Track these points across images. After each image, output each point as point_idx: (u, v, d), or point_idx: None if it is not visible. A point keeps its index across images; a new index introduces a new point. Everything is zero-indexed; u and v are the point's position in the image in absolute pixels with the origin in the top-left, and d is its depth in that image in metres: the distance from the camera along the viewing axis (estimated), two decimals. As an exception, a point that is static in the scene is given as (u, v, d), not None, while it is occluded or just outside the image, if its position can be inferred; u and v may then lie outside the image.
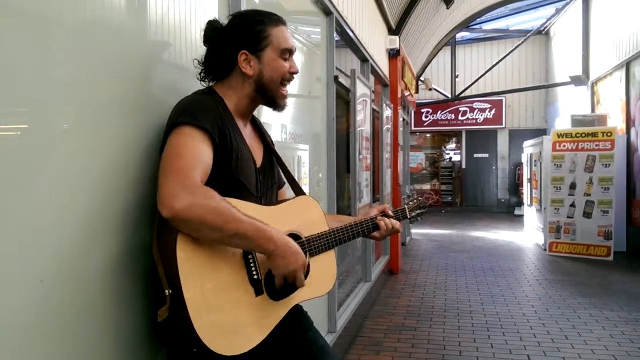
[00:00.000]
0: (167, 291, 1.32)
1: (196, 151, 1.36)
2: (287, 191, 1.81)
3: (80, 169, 1.24)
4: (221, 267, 1.38)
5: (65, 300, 1.19)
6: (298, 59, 2.72)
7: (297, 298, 1.55)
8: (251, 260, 1.43)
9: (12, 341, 1.05)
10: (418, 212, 1.96)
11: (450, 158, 17.12)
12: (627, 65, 8.71)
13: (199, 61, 1.59)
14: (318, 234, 1.64)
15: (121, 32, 1.41)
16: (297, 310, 1.65)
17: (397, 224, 1.85)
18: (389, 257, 6.98)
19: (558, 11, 13.22)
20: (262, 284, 1.45)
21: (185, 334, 1.31)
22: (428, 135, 17.60)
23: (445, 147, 17.36)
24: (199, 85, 1.57)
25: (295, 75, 1.62)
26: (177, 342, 1.39)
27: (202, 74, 1.59)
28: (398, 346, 4.23)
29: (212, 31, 1.57)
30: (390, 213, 1.87)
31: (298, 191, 1.75)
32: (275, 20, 1.57)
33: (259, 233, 1.35)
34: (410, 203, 1.95)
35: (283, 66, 1.57)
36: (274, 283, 1.47)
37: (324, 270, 1.64)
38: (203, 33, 1.58)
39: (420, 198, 1.99)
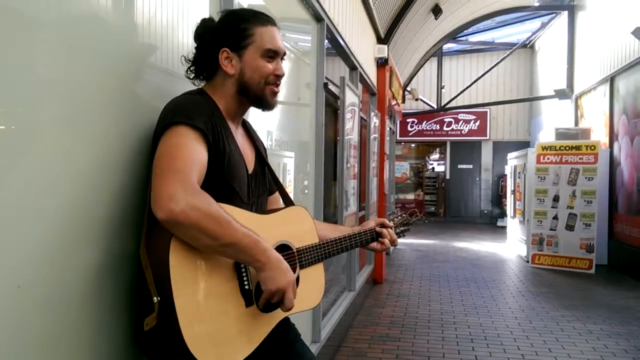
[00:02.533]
0: (155, 298, 1.26)
1: (192, 152, 1.31)
2: (279, 199, 1.76)
3: (61, 170, 1.18)
4: (213, 275, 1.33)
5: (44, 307, 1.13)
6: (287, 65, 2.68)
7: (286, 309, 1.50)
8: (243, 270, 1.38)
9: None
10: (402, 228, 1.94)
11: (433, 168, 17.20)
12: (611, 79, 8.83)
13: (185, 58, 1.53)
14: (309, 245, 1.59)
15: (107, 31, 1.35)
16: (285, 322, 1.60)
17: (394, 235, 1.83)
18: (372, 267, 6.95)
19: (543, 25, 13.40)
20: (253, 294, 1.40)
21: (172, 344, 1.25)
22: (412, 145, 17.68)
23: (428, 157, 17.44)
24: (186, 89, 1.51)
25: (281, 78, 1.55)
26: (161, 352, 1.33)
27: (191, 73, 1.53)
28: (382, 356, 4.19)
29: (202, 28, 1.51)
30: (390, 224, 1.84)
31: (288, 201, 1.70)
32: (263, 19, 1.51)
33: (253, 245, 1.30)
34: (395, 219, 1.93)
35: (265, 66, 1.49)
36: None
37: (312, 283, 1.60)
38: (194, 30, 1.53)
39: (404, 214, 1.97)
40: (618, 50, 8.47)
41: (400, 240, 1.88)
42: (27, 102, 1.08)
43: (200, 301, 1.28)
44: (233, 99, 1.51)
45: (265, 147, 1.77)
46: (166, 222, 1.21)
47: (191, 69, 1.52)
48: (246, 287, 1.38)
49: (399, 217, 1.95)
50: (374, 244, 1.81)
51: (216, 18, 1.54)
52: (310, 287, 1.58)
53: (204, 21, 1.53)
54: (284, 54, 1.55)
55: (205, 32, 1.50)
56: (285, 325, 1.62)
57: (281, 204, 1.74)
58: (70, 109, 1.20)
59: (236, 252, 1.30)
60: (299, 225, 1.61)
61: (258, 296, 1.40)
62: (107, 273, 1.34)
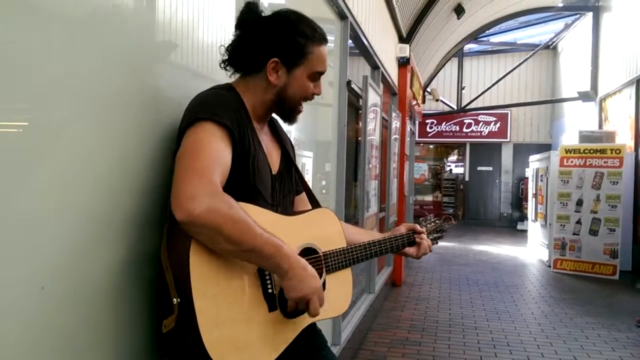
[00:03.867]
0: (174, 300, 1.21)
1: (216, 150, 1.25)
2: (304, 202, 1.70)
3: (84, 169, 1.14)
4: (234, 277, 1.28)
5: (67, 308, 1.09)
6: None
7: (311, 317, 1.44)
8: (266, 274, 1.33)
9: (9, 352, 0.96)
10: (435, 235, 1.85)
11: (451, 170, 17.01)
12: (637, 82, 8.63)
13: (225, 47, 1.46)
14: (336, 249, 1.53)
15: (128, 28, 1.31)
16: (311, 327, 1.54)
17: (429, 241, 1.77)
18: (391, 268, 6.87)
19: (567, 26, 13.17)
20: (276, 299, 1.35)
21: (192, 347, 1.20)
22: (431, 147, 17.51)
23: (446, 159, 17.26)
24: (208, 86, 1.45)
25: (327, 84, 1.52)
26: (182, 356, 1.28)
27: (226, 62, 1.46)
28: (402, 361, 4.11)
29: (249, 15, 1.43)
30: (421, 230, 1.77)
31: (314, 203, 1.64)
32: (319, 37, 1.44)
33: (275, 252, 1.24)
34: (428, 225, 1.85)
35: (309, 87, 1.45)
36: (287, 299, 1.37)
37: (339, 289, 1.53)
38: (238, 14, 1.44)
39: (437, 220, 1.88)
40: (645, 51, 8.28)
41: None
42: (47, 100, 1.04)
43: (221, 304, 1.23)
44: (265, 105, 1.46)
45: (293, 145, 1.71)
46: (185, 223, 1.16)
47: (228, 59, 1.46)
48: (269, 291, 1.33)
49: (432, 224, 1.86)
50: (410, 250, 1.74)
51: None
52: (337, 293, 1.52)
53: (248, 6, 1.43)
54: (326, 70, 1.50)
55: (253, 26, 1.42)
56: (312, 331, 1.56)
57: (308, 205, 1.68)
58: (91, 107, 1.16)
59: (257, 258, 1.25)
60: (325, 228, 1.55)
61: (282, 301, 1.35)
62: (129, 273, 1.30)
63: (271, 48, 1.39)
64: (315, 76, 1.46)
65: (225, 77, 1.52)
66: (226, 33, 1.73)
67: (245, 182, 1.37)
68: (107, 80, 1.20)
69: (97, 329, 1.20)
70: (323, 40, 1.45)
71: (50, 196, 1.04)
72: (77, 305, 1.13)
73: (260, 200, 1.41)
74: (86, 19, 1.13)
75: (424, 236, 1.76)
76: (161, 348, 1.37)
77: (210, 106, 1.31)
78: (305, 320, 1.42)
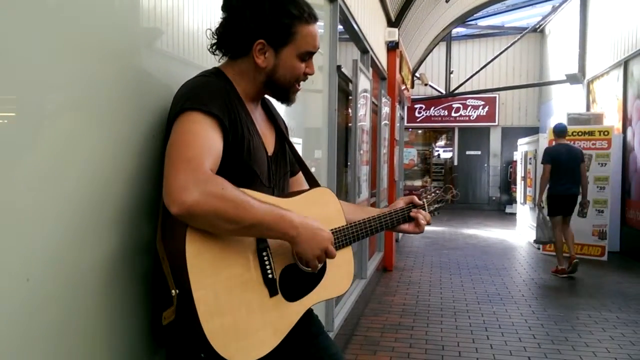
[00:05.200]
0: (173, 291, 1.19)
1: (206, 139, 1.22)
2: (302, 180, 1.67)
3: (70, 157, 1.09)
4: (233, 265, 1.25)
5: (54, 301, 1.05)
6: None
7: (314, 298, 1.43)
8: (265, 258, 1.30)
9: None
10: (436, 206, 1.81)
11: (439, 155, 17.05)
12: (625, 63, 8.66)
13: (212, 31, 1.42)
14: (336, 228, 1.51)
15: (111, 13, 1.26)
16: (308, 313, 1.52)
17: (428, 215, 1.73)
18: (382, 254, 6.88)
19: (554, 9, 13.16)
20: (277, 283, 1.33)
21: (193, 338, 1.18)
22: (420, 131, 17.52)
23: (434, 144, 17.29)
24: (194, 73, 1.41)
25: (316, 69, 1.48)
26: (182, 346, 1.26)
27: (214, 47, 1.42)
28: (395, 345, 4.12)
29: None
30: (420, 202, 1.74)
31: (313, 182, 1.61)
32: (307, 16, 1.39)
33: (279, 219, 1.25)
34: (429, 197, 1.80)
35: (299, 67, 1.41)
36: (288, 283, 1.35)
37: (340, 268, 1.51)
38: None
39: (438, 191, 1.84)
40: (632, 33, 8.29)
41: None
42: (28, 90, 0.99)
43: (221, 292, 1.21)
44: (256, 87, 1.43)
45: (287, 126, 1.67)
46: (181, 216, 1.14)
47: (214, 44, 1.42)
48: (270, 276, 1.31)
49: (433, 194, 1.81)
50: (405, 226, 1.71)
51: None
52: (339, 272, 1.51)
53: None
54: (317, 51, 1.46)
55: (238, 7, 1.37)
56: (309, 317, 1.55)
57: (305, 185, 1.65)
58: (75, 95, 1.11)
59: (261, 231, 1.25)
60: (324, 208, 1.52)
61: (283, 286, 1.34)
62: (123, 265, 1.26)
63: (257, 29, 1.36)
64: (306, 56, 1.42)
65: (214, 61, 1.48)
66: (214, 16, 1.69)
67: (241, 165, 1.35)
68: (91, 68, 1.15)
69: (88, 322, 1.16)
70: (311, 18, 1.41)
71: (34, 187, 1.00)
72: (67, 298, 1.09)
73: (257, 182, 1.39)
74: (65, 2, 1.08)
75: (421, 210, 1.72)
76: (158, 340, 1.34)
77: (197, 95, 1.27)
78: (306, 304, 1.41)
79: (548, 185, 6.59)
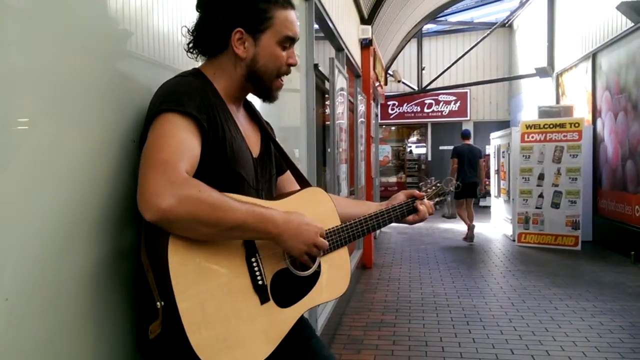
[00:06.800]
0: (158, 303, 1.14)
1: (181, 141, 1.18)
2: (289, 182, 1.63)
3: (48, 165, 1.04)
4: (220, 272, 1.21)
5: (35, 319, 1.00)
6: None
7: (308, 303, 1.39)
8: (254, 264, 1.26)
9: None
10: (437, 199, 1.78)
11: (411, 151, 17.17)
12: (593, 56, 8.82)
13: (188, 29, 1.38)
14: (331, 229, 1.48)
15: (80, 14, 1.21)
16: (299, 318, 1.49)
17: (431, 205, 1.71)
18: (362, 251, 6.88)
19: (522, 3, 13.35)
20: (268, 289, 1.28)
21: (180, 352, 1.13)
22: (393, 128, 17.61)
23: (407, 140, 17.40)
24: (169, 74, 1.36)
25: (292, 68, 1.43)
26: None
27: (190, 45, 1.38)
28: (379, 343, 4.12)
29: None
30: (421, 194, 1.71)
31: (304, 182, 1.58)
32: (284, 1, 1.37)
33: (261, 218, 1.20)
34: (429, 190, 1.77)
35: (280, 55, 1.37)
36: (280, 288, 1.31)
37: (337, 269, 1.48)
38: None
39: (439, 184, 1.80)
40: (600, 26, 8.45)
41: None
42: (3, 96, 0.93)
43: (208, 302, 1.16)
44: (238, 83, 1.39)
45: (272, 127, 1.64)
46: (157, 222, 1.09)
47: (193, 42, 1.38)
48: (260, 282, 1.27)
49: (433, 187, 1.78)
50: (410, 217, 1.69)
51: None
52: (335, 274, 1.47)
53: None
54: (297, 39, 1.43)
55: (212, 2, 1.34)
56: (300, 321, 1.51)
57: (294, 185, 1.62)
58: (51, 99, 1.05)
59: (243, 232, 1.20)
60: (317, 208, 1.48)
61: (274, 291, 1.30)
62: (106, 277, 1.21)
63: (233, 19, 1.32)
64: (286, 42, 1.38)
65: (191, 60, 1.43)
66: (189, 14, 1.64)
67: (225, 169, 1.30)
68: (64, 70, 1.10)
69: (72, 339, 1.10)
70: (287, 4, 1.38)
71: (11, 197, 0.94)
72: (49, 315, 1.03)
73: (243, 185, 1.35)
74: (30, 6, 1.03)
75: (425, 201, 1.71)
76: (145, 355, 1.29)
77: (174, 95, 1.23)
78: (300, 308, 1.37)
79: (456, 175, 8.50)
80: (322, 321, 3.85)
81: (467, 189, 8.47)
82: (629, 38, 7.50)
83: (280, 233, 1.24)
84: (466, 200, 8.77)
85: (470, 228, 8.67)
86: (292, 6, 1.40)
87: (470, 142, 9.14)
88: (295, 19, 1.40)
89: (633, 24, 7.06)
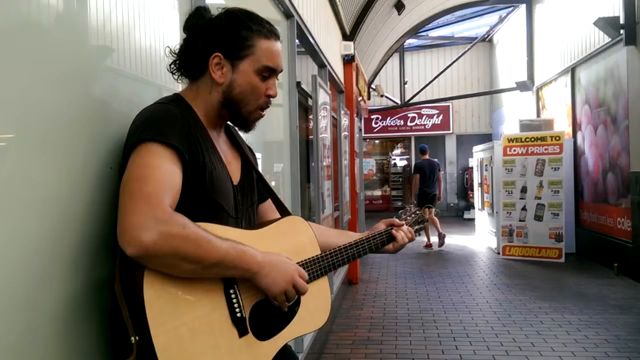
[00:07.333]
0: (133, 338, 1.10)
1: (165, 174, 1.15)
2: (271, 209, 1.60)
3: (20, 193, 1.00)
4: (197, 306, 1.17)
5: (8, 356, 0.95)
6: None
7: (287, 335, 1.35)
8: (233, 296, 1.22)
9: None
10: (417, 227, 1.79)
11: (395, 164, 17.24)
12: (572, 70, 8.95)
13: (170, 50, 1.36)
14: (310, 258, 1.44)
15: (58, 34, 1.17)
16: (283, 346, 1.45)
17: (411, 231, 1.69)
18: (347, 267, 6.84)
19: (501, 19, 13.56)
20: (247, 322, 1.24)
21: None
22: (377, 142, 17.67)
23: (391, 153, 17.48)
24: (152, 94, 1.33)
25: (272, 100, 1.40)
26: None
27: (173, 67, 1.36)
28: (366, 362, 4.07)
29: (195, 18, 1.33)
30: (401, 222, 1.70)
31: (283, 211, 1.55)
32: (267, 31, 1.34)
33: (241, 255, 1.18)
34: (408, 218, 1.77)
35: (258, 85, 1.34)
36: (259, 321, 1.28)
37: (316, 300, 1.44)
38: (186, 18, 1.35)
39: (417, 212, 1.82)
40: (579, 41, 8.59)
41: None
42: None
43: (184, 337, 1.12)
44: (214, 109, 1.35)
45: (254, 152, 1.61)
46: (139, 257, 1.06)
47: (175, 63, 1.35)
48: (238, 315, 1.23)
49: (412, 216, 1.79)
50: (389, 246, 1.67)
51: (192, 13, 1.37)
52: (314, 304, 1.43)
53: (198, 11, 1.34)
54: (281, 71, 1.40)
55: (197, 26, 1.32)
56: (283, 350, 1.47)
57: (275, 213, 1.58)
58: (23, 125, 1.02)
59: (223, 270, 1.18)
60: (296, 237, 1.45)
61: (254, 324, 1.26)
62: (81, 310, 1.16)
63: (213, 43, 1.30)
64: (265, 72, 1.34)
65: (172, 81, 1.40)
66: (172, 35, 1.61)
67: (204, 198, 1.27)
68: (41, 93, 1.06)
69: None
70: (272, 34, 1.36)
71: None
72: (22, 349, 0.99)
73: (222, 214, 1.31)
74: (5, 25, 0.99)
75: (404, 227, 1.69)
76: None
77: (155, 124, 1.19)
78: (280, 341, 1.34)
79: (418, 188, 9.62)
80: (308, 341, 3.80)
81: (427, 199, 9.44)
82: (607, 53, 7.63)
83: (259, 270, 1.22)
84: (428, 210, 8.98)
85: (442, 236, 9.56)
86: (276, 37, 1.37)
87: (427, 156, 9.92)
88: (278, 49, 1.37)
89: (610, 39, 7.18)
